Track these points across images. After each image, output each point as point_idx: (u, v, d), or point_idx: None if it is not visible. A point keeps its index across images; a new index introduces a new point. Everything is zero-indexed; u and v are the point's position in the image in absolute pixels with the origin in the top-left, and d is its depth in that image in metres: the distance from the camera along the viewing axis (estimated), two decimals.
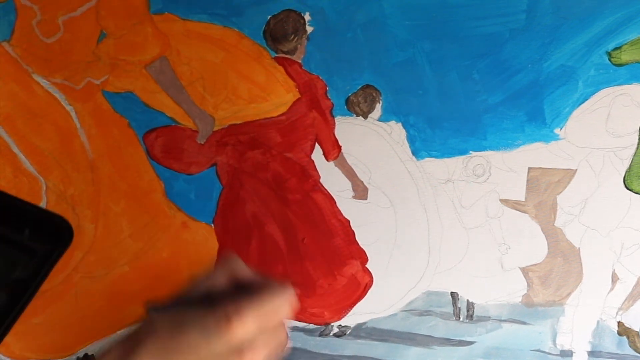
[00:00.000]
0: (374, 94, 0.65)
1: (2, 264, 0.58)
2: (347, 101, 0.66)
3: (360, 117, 0.66)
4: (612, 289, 0.64)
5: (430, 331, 0.66)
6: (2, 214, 0.59)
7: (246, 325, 0.45)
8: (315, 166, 0.67)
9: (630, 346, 0.64)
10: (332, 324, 0.67)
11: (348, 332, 0.67)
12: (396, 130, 0.65)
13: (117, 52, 0.67)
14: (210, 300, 0.46)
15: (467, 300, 0.66)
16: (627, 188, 0.63)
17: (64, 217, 0.58)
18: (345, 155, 0.67)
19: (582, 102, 0.63)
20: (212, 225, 0.68)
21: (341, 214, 0.67)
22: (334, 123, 0.66)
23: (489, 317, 0.66)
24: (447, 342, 0.66)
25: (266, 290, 0.47)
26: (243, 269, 0.52)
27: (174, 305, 0.43)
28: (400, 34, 0.64)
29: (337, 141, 0.67)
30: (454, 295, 0.66)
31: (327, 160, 0.67)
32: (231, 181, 0.68)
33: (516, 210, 0.65)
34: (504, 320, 0.66)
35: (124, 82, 0.67)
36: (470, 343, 0.66)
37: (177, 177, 0.68)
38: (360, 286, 0.67)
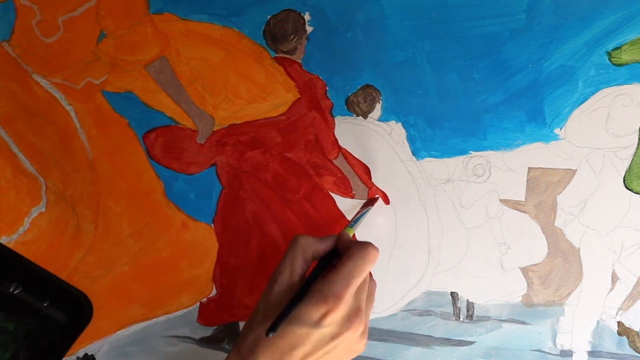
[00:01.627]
0: (374, 94, 0.65)
1: (21, 332, 0.58)
2: (347, 101, 0.66)
3: (360, 117, 0.66)
4: (612, 289, 0.64)
5: (430, 331, 0.66)
6: (26, 283, 0.59)
7: (346, 303, 0.46)
8: None
9: (630, 346, 0.64)
10: None
11: None
12: (396, 130, 0.65)
13: (117, 52, 0.67)
14: (303, 289, 0.46)
15: (467, 300, 0.66)
16: (627, 188, 0.63)
17: (83, 292, 0.58)
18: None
19: (582, 102, 0.63)
20: (212, 225, 0.68)
21: (341, 214, 0.67)
22: (334, 123, 0.66)
23: (489, 317, 0.66)
24: (447, 342, 0.66)
25: (349, 257, 0.47)
26: (314, 244, 0.51)
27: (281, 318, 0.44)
28: (400, 34, 0.64)
29: (337, 141, 0.67)
30: (454, 295, 0.66)
31: None
32: (231, 181, 0.68)
33: (516, 210, 0.65)
34: (504, 320, 0.66)
35: (123, 82, 0.67)
36: (470, 343, 0.66)
37: (176, 177, 0.68)
38: None
